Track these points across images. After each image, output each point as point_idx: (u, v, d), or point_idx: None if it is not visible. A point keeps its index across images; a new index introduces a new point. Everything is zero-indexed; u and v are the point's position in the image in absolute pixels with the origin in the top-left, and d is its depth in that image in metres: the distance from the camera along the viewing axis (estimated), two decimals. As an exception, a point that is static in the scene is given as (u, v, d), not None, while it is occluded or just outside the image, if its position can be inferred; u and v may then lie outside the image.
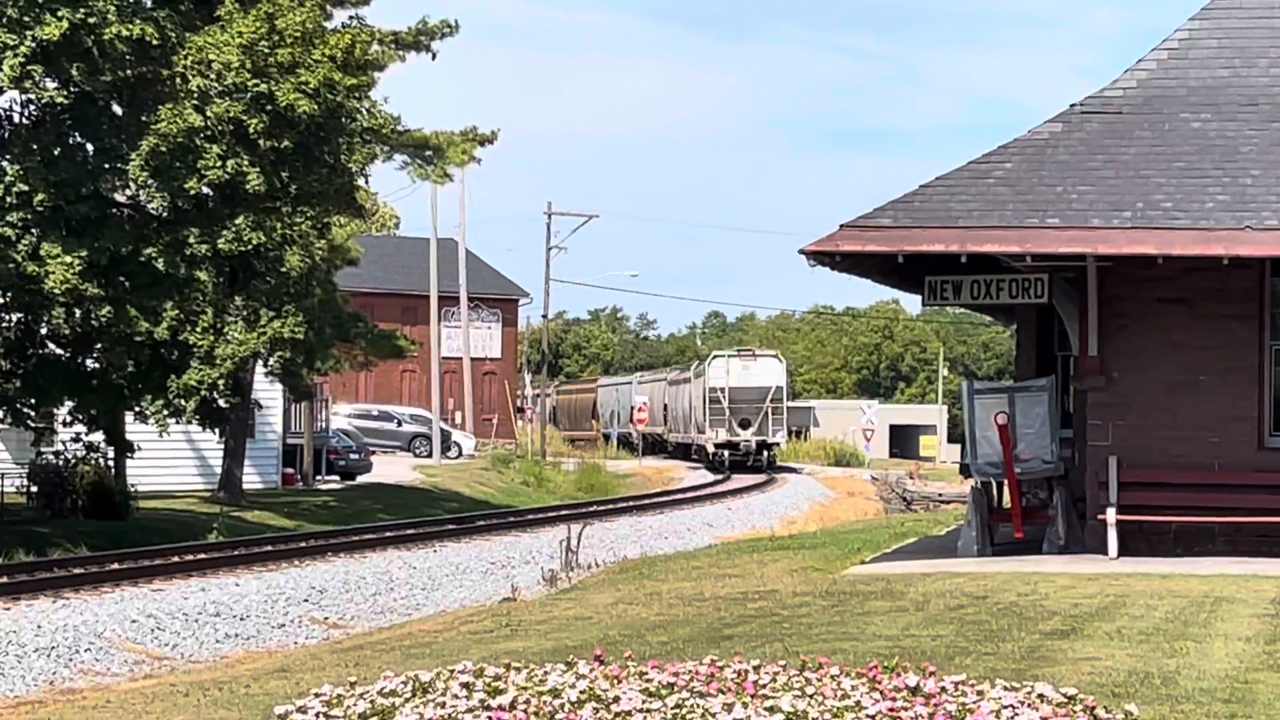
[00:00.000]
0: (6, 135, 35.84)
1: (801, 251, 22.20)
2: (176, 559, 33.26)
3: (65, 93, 34.91)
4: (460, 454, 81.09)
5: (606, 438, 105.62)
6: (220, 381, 36.89)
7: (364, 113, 40.74)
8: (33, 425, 38.32)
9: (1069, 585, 19.26)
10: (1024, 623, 16.08)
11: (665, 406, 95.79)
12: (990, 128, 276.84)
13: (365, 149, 40.41)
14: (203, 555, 34.41)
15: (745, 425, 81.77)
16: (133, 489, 42.63)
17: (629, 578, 24.10)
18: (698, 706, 8.06)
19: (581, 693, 8.28)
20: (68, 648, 24.05)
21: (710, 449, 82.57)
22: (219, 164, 35.57)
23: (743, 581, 21.64)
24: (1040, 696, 8.34)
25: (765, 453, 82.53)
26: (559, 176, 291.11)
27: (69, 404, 37.95)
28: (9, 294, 35.50)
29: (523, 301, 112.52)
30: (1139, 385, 23.35)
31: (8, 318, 36.90)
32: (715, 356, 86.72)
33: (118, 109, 36.15)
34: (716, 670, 8.73)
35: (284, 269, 38.27)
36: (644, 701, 8.13)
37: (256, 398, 46.97)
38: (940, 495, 71.82)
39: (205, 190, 36.60)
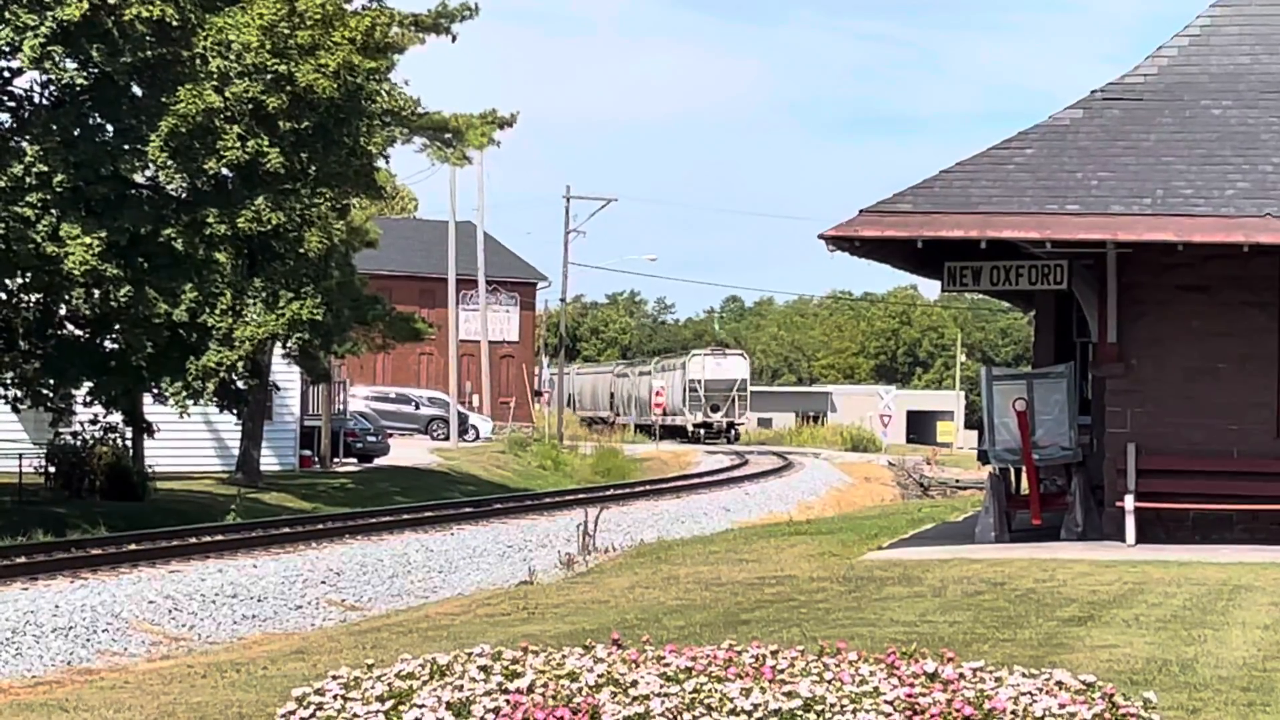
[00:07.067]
0: (26, 116, 35.87)
1: (821, 236, 22.15)
2: (194, 540, 33.34)
3: (85, 73, 34.91)
4: (477, 437, 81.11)
5: None
6: (239, 363, 36.94)
7: (383, 95, 40.74)
8: (51, 406, 38.38)
9: (1086, 572, 19.24)
10: (1041, 609, 16.06)
11: (612, 395, 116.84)
12: (1010, 115, 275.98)
13: (385, 131, 40.42)
14: (220, 537, 34.50)
15: (715, 409, 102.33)
16: (150, 470, 42.74)
17: (646, 562, 24.11)
18: (715, 691, 8.04)
19: (599, 676, 8.27)
20: (85, 628, 24.10)
21: (689, 428, 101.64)
22: (238, 145, 35.58)
23: (760, 566, 21.64)
24: (1058, 684, 8.32)
25: (732, 430, 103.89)
26: (578, 160, 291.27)
27: (88, 385, 38.00)
28: (29, 275, 35.55)
29: (541, 285, 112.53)
30: (1157, 372, 23.31)
31: (27, 298, 36.95)
32: (694, 355, 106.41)
33: (137, 90, 36.15)
34: (734, 655, 8.72)
35: (303, 250, 38.24)
36: (662, 686, 8.11)
37: (274, 380, 47.08)
38: (958, 481, 71.69)
39: (224, 171, 36.63)
